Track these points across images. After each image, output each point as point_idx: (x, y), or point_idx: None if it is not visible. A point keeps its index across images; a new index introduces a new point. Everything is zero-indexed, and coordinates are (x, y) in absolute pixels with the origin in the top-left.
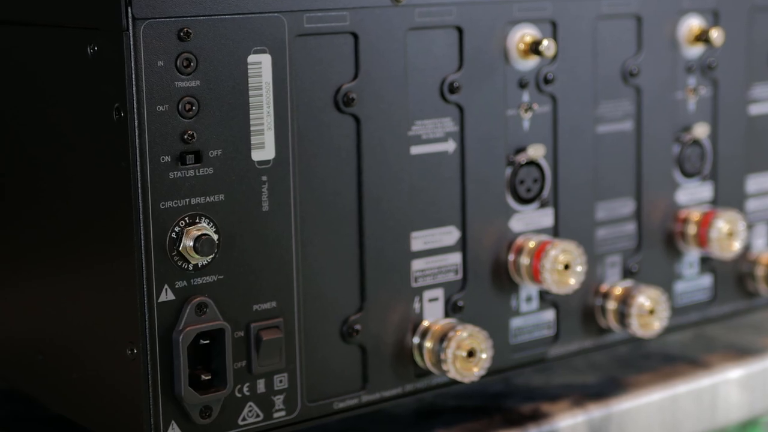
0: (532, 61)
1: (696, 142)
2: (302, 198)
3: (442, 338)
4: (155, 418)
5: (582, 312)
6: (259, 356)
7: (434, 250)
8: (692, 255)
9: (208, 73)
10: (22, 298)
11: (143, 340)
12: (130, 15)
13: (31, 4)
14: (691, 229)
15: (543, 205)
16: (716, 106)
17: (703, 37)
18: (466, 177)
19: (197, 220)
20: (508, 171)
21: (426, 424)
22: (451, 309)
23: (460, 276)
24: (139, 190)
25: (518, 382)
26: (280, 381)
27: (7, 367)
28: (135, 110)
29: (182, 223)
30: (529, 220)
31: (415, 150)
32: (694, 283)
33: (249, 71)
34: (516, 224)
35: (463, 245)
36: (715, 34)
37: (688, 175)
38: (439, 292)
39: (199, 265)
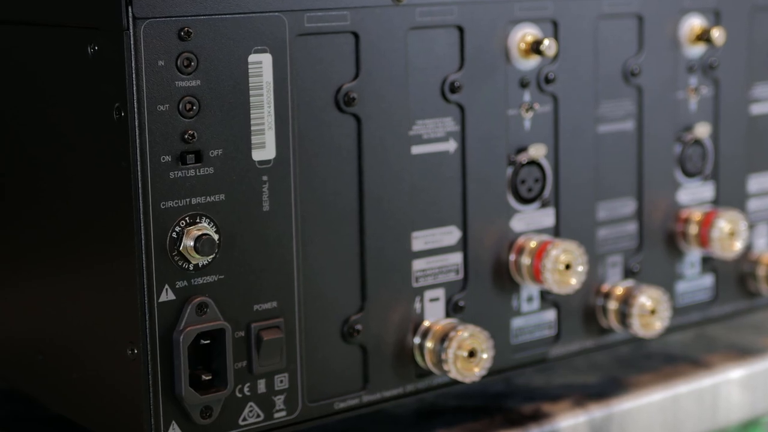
0: (533, 61)
1: (697, 142)
2: (303, 198)
3: (443, 338)
4: (156, 418)
5: (583, 312)
6: (260, 356)
7: (435, 250)
8: (693, 255)
9: (208, 73)
10: (22, 298)
11: (144, 340)
12: (130, 14)
13: (32, 4)
14: (693, 229)
15: (544, 204)
16: (717, 105)
17: (704, 37)
18: (467, 177)
19: (198, 220)
20: (509, 171)
21: (427, 424)
22: (452, 309)
23: (461, 276)
24: (140, 190)
25: (519, 382)
26: (281, 381)
27: (7, 367)
28: (135, 110)
29: (183, 223)
30: (530, 220)
31: (416, 150)
32: (695, 283)
33: (249, 71)
34: (517, 224)
35: (464, 245)
36: (717, 34)
37: (689, 174)
38: (440, 292)
39: (200, 265)
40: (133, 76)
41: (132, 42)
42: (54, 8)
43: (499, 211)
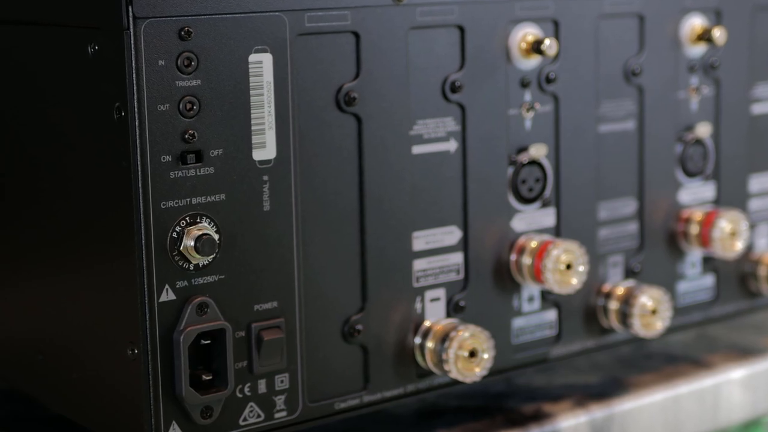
0: (534, 61)
1: (698, 142)
2: (303, 197)
3: (444, 338)
4: (156, 418)
5: (584, 312)
6: (260, 356)
7: (436, 249)
8: (695, 255)
9: (209, 73)
10: (22, 298)
11: (144, 340)
12: (130, 14)
13: (32, 4)
14: (694, 229)
15: (545, 204)
16: (719, 105)
17: (705, 37)
18: (467, 176)
19: (198, 220)
20: (510, 170)
21: (427, 424)
22: (453, 309)
23: (461, 276)
24: (140, 190)
25: (520, 382)
26: (282, 381)
27: (7, 367)
28: (136, 109)
29: (183, 223)
30: (531, 220)
31: (417, 149)
32: (696, 283)
33: (250, 70)
34: (518, 224)
35: (464, 245)
36: (718, 34)
37: (690, 174)
38: (440, 292)
39: (200, 264)
40: (134, 75)
41: (132, 41)
42: (54, 8)
43: (500, 210)
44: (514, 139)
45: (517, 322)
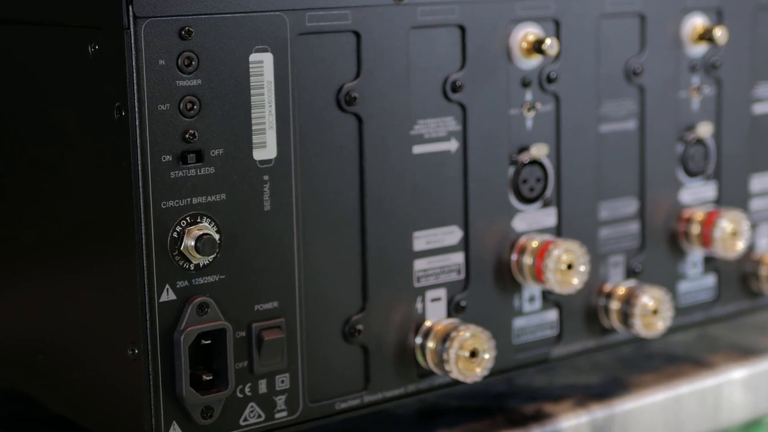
0: (535, 60)
1: (699, 142)
2: (304, 197)
3: (445, 338)
4: (156, 418)
5: (585, 312)
6: (261, 356)
7: (437, 249)
8: (696, 255)
9: (209, 72)
10: (22, 298)
11: (144, 340)
12: (131, 14)
13: (32, 3)
14: (695, 229)
15: (546, 204)
16: (720, 105)
17: (706, 36)
18: (468, 176)
19: (198, 220)
20: (511, 170)
21: (428, 424)
22: (454, 309)
23: (462, 276)
24: (140, 190)
25: (521, 382)
26: (282, 381)
27: (7, 367)
28: (136, 109)
29: (183, 223)
30: (532, 220)
31: (418, 149)
32: (697, 282)
33: (251, 70)
34: (519, 224)
35: (465, 245)
36: (719, 33)
37: (691, 174)
38: (441, 292)
39: (201, 264)
40: (134, 75)
41: (133, 41)
42: (54, 7)
43: (501, 210)
44: (515, 138)
45: (518, 322)
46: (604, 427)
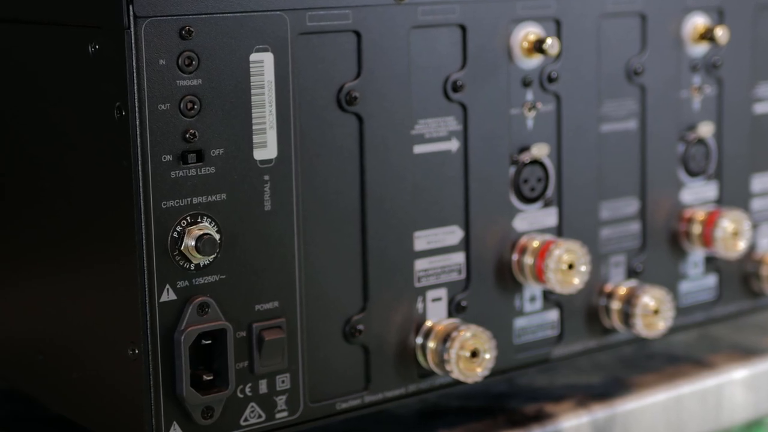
0: (536, 60)
1: (701, 141)
2: (304, 197)
3: (446, 338)
4: (156, 418)
5: (586, 312)
6: (261, 356)
7: (437, 249)
8: (697, 255)
9: (209, 72)
10: (22, 297)
11: (144, 340)
12: (131, 13)
13: (32, 3)
14: (696, 229)
15: (547, 204)
16: (721, 104)
17: (707, 36)
18: (469, 176)
19: (199, 220)
20: (512, 170)
21: (429, 424)
22: (455, 309)
23: (463, 276)
24: (141, 190)
25: (522, 382)
26: (283, 381)
27: (7, 367)
28: (136, 109)
29: (184, 223)
30: (532, 220)
31: (418, 149)
32: (698, 282)
33: (251, 70)
34: (520, 224)
35: (466, 245)
36: (720, 33)
37: (692, 174)
38: (442, 292)
39: (201, 264)
40: (134, 75)
41: (133, 41)
42: (55, 7)
43: (502, 210)
44: (516, 138)
45: (519, 322)
46: (605, 428)
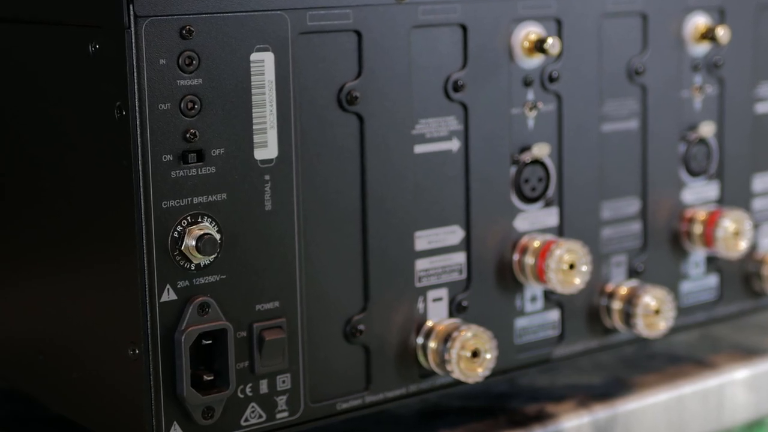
0: (537, 59)
1: (702, 141)
2: (305, 197)
3: (447, 338)
4: (157, 418)
5: (587, 312)
6: (262, 356)
7: (438, 249)
8: (698, 254)
9: (210, 72)
10: (22, 297)
11: (145, 340)
12: (131, 13)
13: (32, 3)
14: (697, 229)
15: (548, 204)
16: (722, 104)
17: (709, 35)
18: (470, 176)
19: (199, 220)
20: (513, 170)
21: (430, 424)
22: (456, 309)
23: (464, 276)
24: (141, 189)
25: (523, 382)
26: (283, 381)
27: (7, 367)
28: (137, 109)
29: (184, 223)
30: (533, 220)
31: (419, 149)
32: (700, 282)
33: (252, 69)
34: (521, 223)
35: (467, 245)
36: (721, 32)
37: (694, 174)
38: (443, 292)
39: (202, 264)
40: (135, 74)
41: (133, 40)
42: (55, 7)
43: (503, 210)
44: (517, 138)
45: (520, 322)
46: (606, 428)
